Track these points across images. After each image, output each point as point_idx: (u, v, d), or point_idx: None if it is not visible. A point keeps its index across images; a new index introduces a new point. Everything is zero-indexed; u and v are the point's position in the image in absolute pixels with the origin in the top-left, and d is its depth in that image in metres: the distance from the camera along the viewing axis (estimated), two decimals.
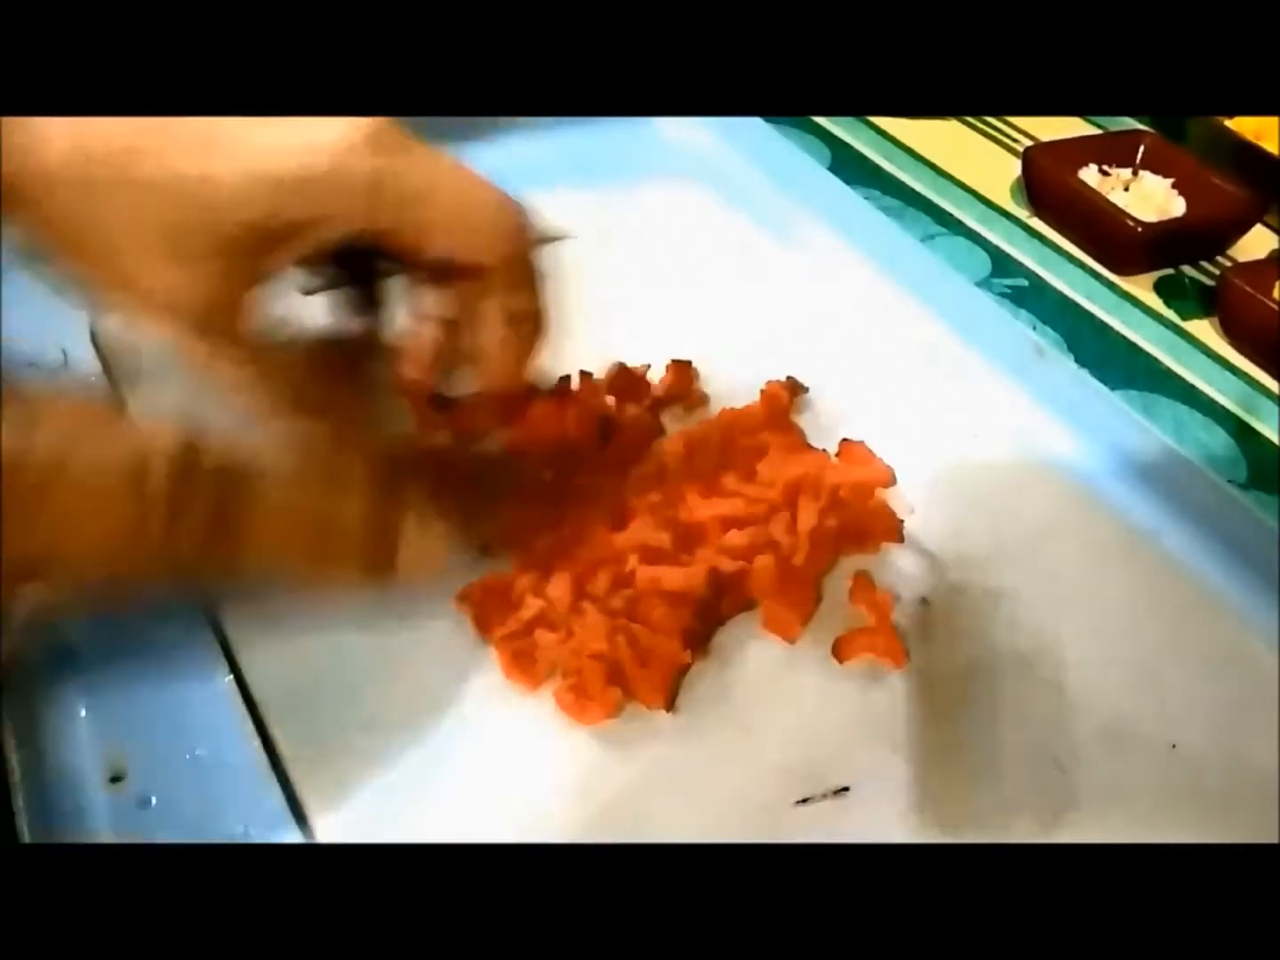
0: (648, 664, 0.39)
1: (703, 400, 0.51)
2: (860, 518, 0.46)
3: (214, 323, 0.34)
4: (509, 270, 0.37)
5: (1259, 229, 0.69)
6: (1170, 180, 0.69)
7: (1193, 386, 0.59)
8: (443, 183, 0.35)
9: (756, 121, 0.70)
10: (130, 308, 0.34)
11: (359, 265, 0.39)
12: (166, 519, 0.32)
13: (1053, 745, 0.40)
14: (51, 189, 0.32)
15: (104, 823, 0.35)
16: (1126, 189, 0.69)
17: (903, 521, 0.46)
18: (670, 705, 0.40)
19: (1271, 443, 0.56)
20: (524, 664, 0.40)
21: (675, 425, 0.50)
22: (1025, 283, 0.65)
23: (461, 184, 0.36)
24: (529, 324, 0.38)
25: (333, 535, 0.36)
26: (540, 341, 0.39)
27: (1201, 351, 0.61)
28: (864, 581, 0.44)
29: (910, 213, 0.69)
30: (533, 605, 0.41)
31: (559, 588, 0.41)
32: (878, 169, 0.73)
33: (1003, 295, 0.63)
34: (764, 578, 0.42)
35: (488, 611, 0.41)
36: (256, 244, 0.33)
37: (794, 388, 0.52)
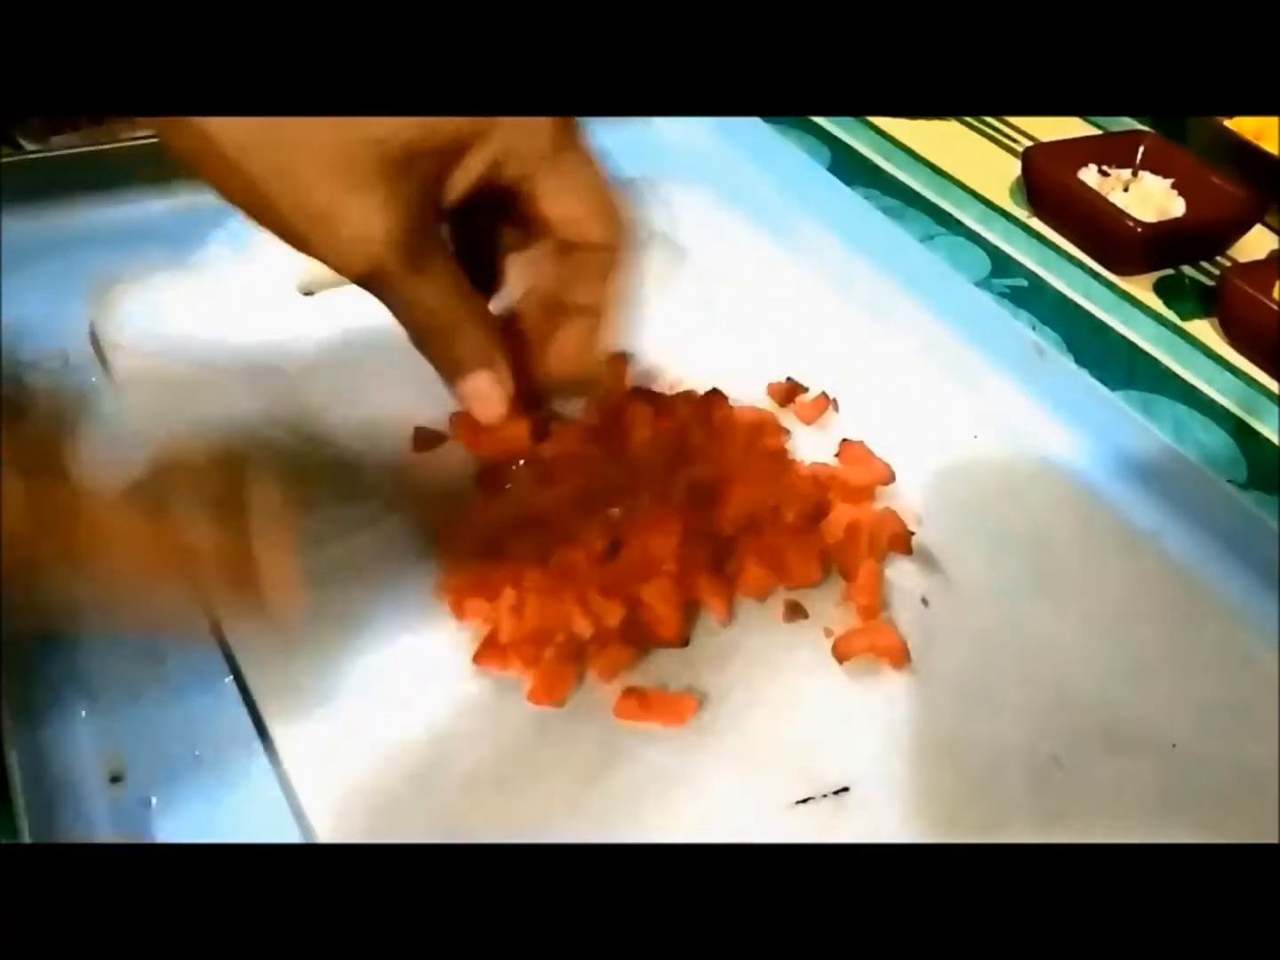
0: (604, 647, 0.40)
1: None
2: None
3: (401, 249, 0.36)
4: (607, 256, 0.40)
5: (1258, 229, 0.69)
6: (1170, 180, 0.69)
7: (1192, 386, 0.59)
8: (570, 157, 0.38)
9: (756, 122, 0.70)
10: (326, 249, 0.36)
11: (483, 227, 0.41)
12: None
13: (1052, 745, 0.40)
14: (230, 164, 0.35)
15: (104, 823, 0.35)
16: (1126, 189, 0.69)
17: (913, 533, 0.46)
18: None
19: (1271, 443, 0.56)
20: (495, 653, 0.40)
21: None
22: (1025, 283, 0.65)
23: (588, 165, 0.39)
24: (607, 314, 0.41)
25: (180, 553, 0.34)
26: (612, 336, 0.41)
27: (1201, 352, 0.61)
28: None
29: (910, 213, 0.69)
30: (509, 596, 0.41)
31: (532, 579, 0.41)
32: (878, 169, 0.73)
33: (1002, 295, 0.63)
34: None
35: (466, 601, 0.42)
36: (419, 169, 0.36)
37: (793, 388, 0.53)
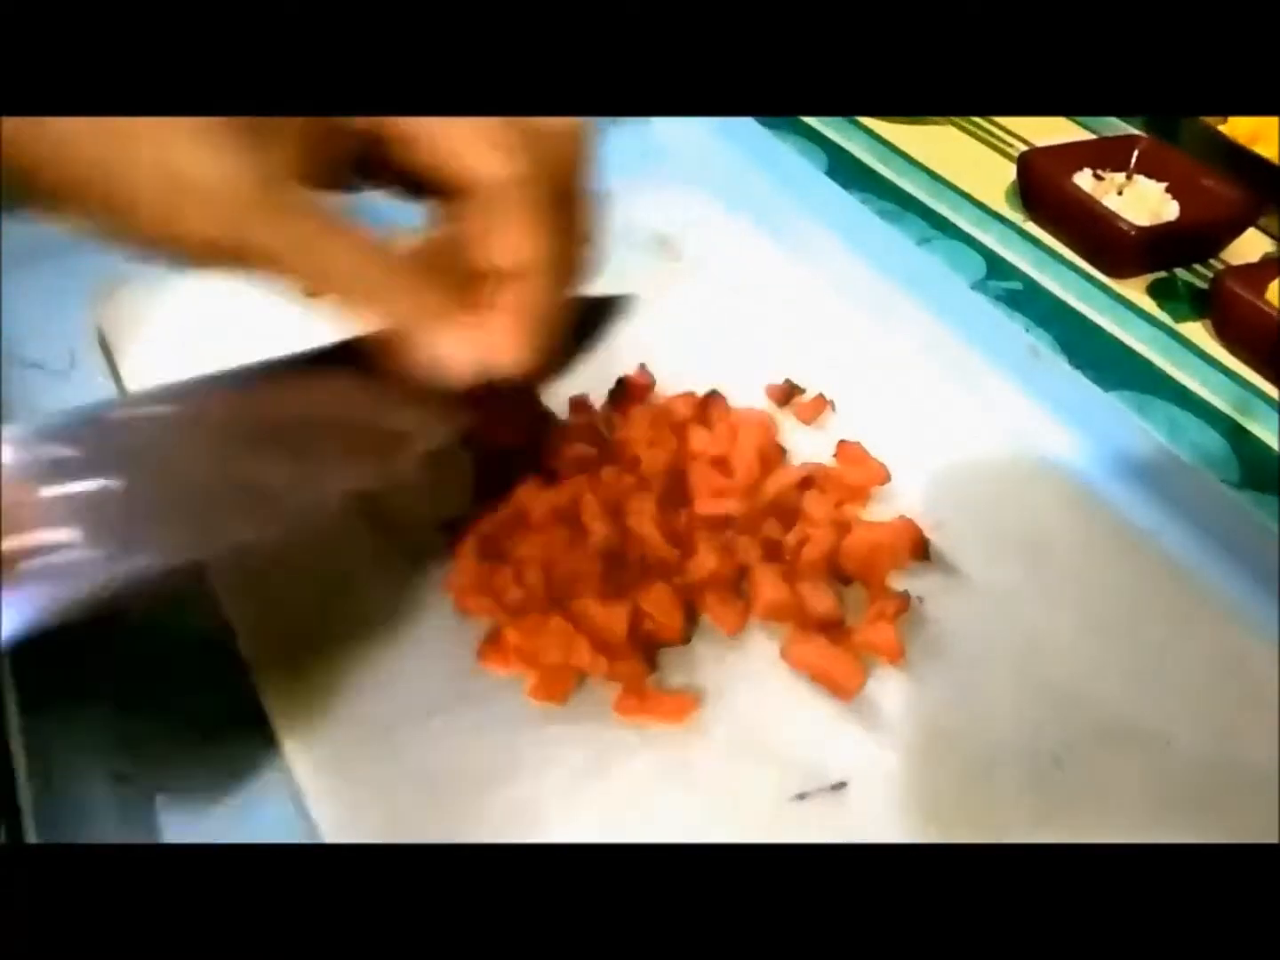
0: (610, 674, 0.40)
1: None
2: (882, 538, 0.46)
3: (266, 208, 0.31)
4: (505, 196, 0.33)
5: (1252, 232, 0.69)
6: (1164, 184, 0.69)
7: (1186, 388, 0.59)
8: None
9: (755, 125, 0.70)
10: (172, 227, 0.31)
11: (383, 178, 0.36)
12: None
13: (1050, 743, 0.41)
14: (72, 157, 0.30)
15: (109, 822, 0.35)
16: (1120, 193, 0.69)
17: (928, 541, 0.46)
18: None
19: (1264, 443, 0.56)
20: (498, 652, 0.40)
21: None
22: (1020, 285, 0.65)
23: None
24: (540, 273, 0.34)
25: None
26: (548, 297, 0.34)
27: (1195, 354, 0.62)
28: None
29: (906, 216, 0.69)
30: (514, 594, 0.41)
31: (535, 578, 0.41)
32: (874, 173, 0.73)
33: (998, 298, 0.63)
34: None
35: (470, 598, 0.42)
36: (273, 128, 0.31)
37: (791, 389, 0.53)
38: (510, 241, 0.34)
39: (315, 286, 0.33)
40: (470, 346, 0.34)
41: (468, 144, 0.33)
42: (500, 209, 0.33)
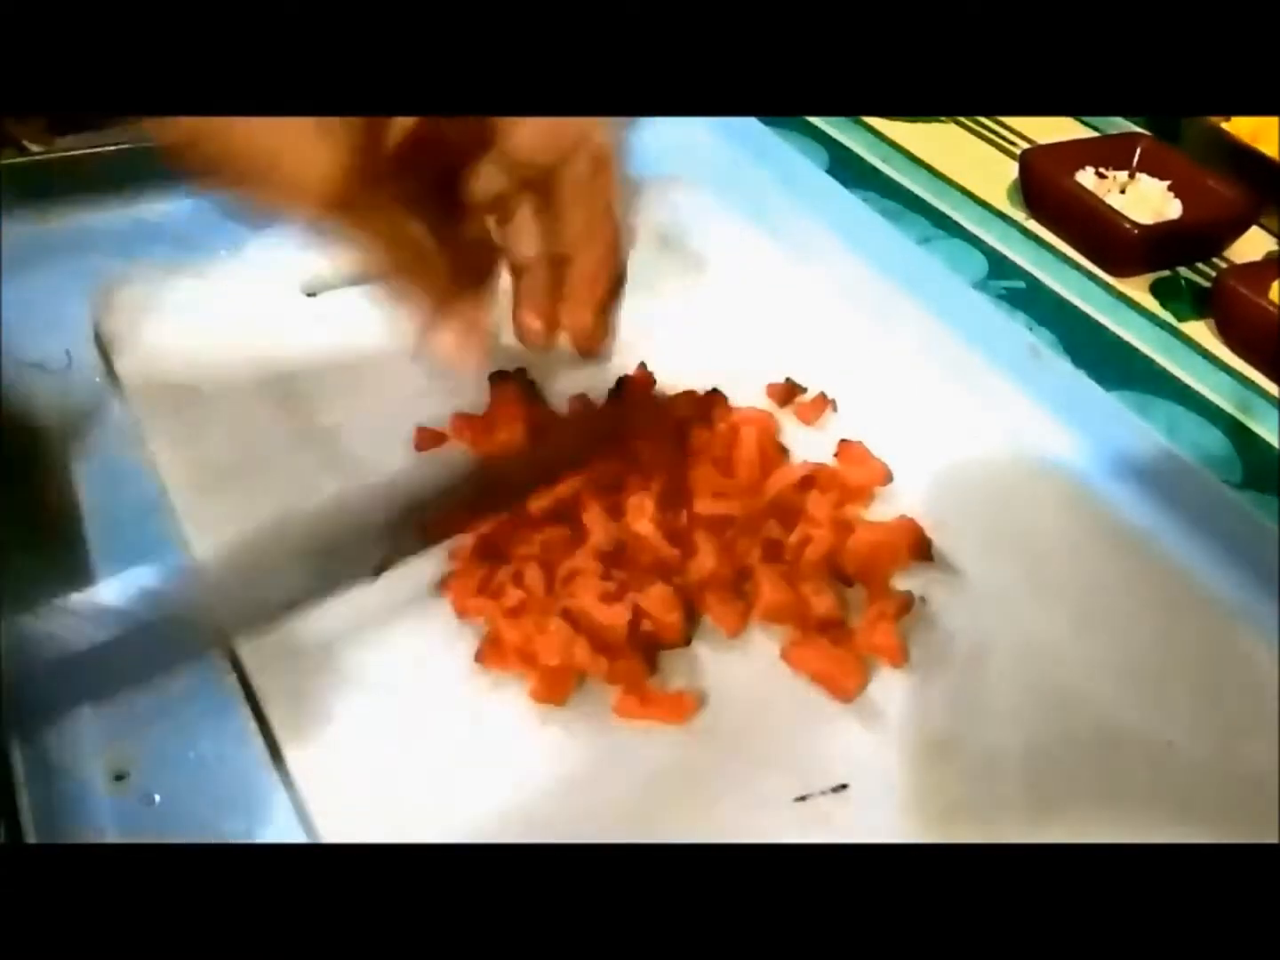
0: (611, 675, 0.40)
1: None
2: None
3: (342, 184, 0.35)
4: (584, 185, 0.38)
5: (1255, 231, 0.69)
6: (1167, 182, 0.69)
7: (1188, 387, 0.59)
8: None
9: (756, 123, 0.70)
10: (280, 193, 0.36)
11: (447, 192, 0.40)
12: None
13: (1049, 743, 0.41)
14: (211, 133, 0.35)
15: (108, 821, 0.35)
16: (1123, 191, 0.69)
17: (930, 541, 0.46)
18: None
19: (1266, 443, 0.56)
20: (496, 653, 0.40)
21: None
22: (1022, 284, 0.65)
23: None
24: (603, 258, 0.40)
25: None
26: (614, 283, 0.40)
27: (1197, 353, 0.62)
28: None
29: (908, 215, 0.69)
30: (513, 596, 0.41)
31: (534, 579, 0.41)
32: (876, 171, 0.73)
33: (1000, 297, 0.63)
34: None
35: (468, 600, 0.42)
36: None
37: (792, 388, 0.53)
38: (571, 227, 0.39)
39: (376, 260, 0.38)
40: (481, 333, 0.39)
41: (537, 136, 0.38)
42: (564, 198, 0.38)
